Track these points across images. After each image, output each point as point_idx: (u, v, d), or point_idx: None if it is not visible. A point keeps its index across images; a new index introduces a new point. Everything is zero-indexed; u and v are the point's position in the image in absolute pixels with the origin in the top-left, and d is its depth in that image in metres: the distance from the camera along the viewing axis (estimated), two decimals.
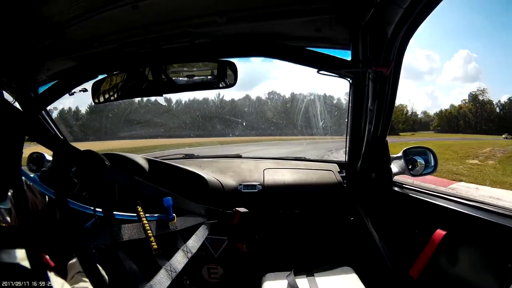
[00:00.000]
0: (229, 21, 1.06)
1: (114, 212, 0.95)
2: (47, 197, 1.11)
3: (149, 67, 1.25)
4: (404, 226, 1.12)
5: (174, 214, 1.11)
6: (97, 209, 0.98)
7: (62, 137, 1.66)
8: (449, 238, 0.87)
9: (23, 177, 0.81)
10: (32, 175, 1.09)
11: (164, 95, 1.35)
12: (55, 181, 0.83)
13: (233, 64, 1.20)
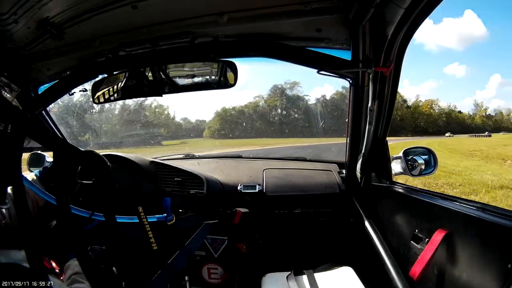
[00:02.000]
0: (229, 21, 1.06)
1: (116, 216, 0.95)
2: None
3: (149, 67, 1.25)
4: (404, 226, 1.12)
5: (173, 215, 1.11)
6: (98, 213, 0.98)
7: (61, 137, 1.66)
8: (449, 238, 0.87)
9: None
10: (33, 173, 1.09)
11: None
12: (55, 186, 0.83)
13: (233, 64, 1.20)
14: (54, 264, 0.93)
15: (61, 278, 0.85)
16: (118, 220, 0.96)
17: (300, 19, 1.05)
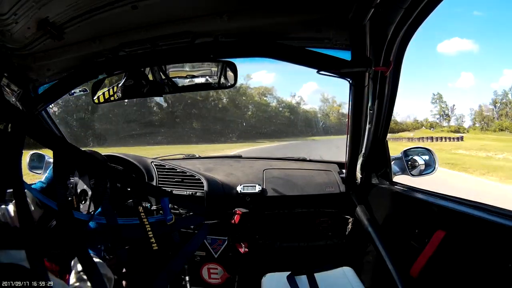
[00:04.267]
0: (229, 21, 1.06)
1: (118, 218, 0.95)
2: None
3: (149, 67, 1.25)
4: (404, 226, 1.12)
5: (172, 215, 1.11)
6: (98, 216, 0.98)
7: (61, 137, 1.65)
8: (449, 238, 0.87)
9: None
10: (35, 184, 1.08)
11: None
12: (56, 189, 0.83)
13: (233, 64, 1.20)
14: (54, 265, 0.93)
15: (67, 277, 0.86)
16: (119, 222, 0.96)
17: (300, 19, 1.05)
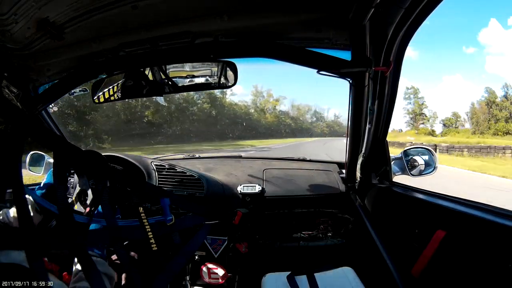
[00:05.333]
0: (229, 21, 1.06)
1: (118, 220, 0.95)
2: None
3: (149, 67, 1.25)
4: (404, 226, 1.12)
5: (172, 215, 1.11)
6: (98, 218, 0.98)
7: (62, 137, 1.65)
8: (449, 238, 0.87)
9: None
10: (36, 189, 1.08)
11: None
12: (57, 191, 0.82)
13: (233, 64, 1.20)
14: (54, 265, 0.93)
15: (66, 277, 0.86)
16: (119, 224, 0.96)
17: (300, 19, 1.05)
